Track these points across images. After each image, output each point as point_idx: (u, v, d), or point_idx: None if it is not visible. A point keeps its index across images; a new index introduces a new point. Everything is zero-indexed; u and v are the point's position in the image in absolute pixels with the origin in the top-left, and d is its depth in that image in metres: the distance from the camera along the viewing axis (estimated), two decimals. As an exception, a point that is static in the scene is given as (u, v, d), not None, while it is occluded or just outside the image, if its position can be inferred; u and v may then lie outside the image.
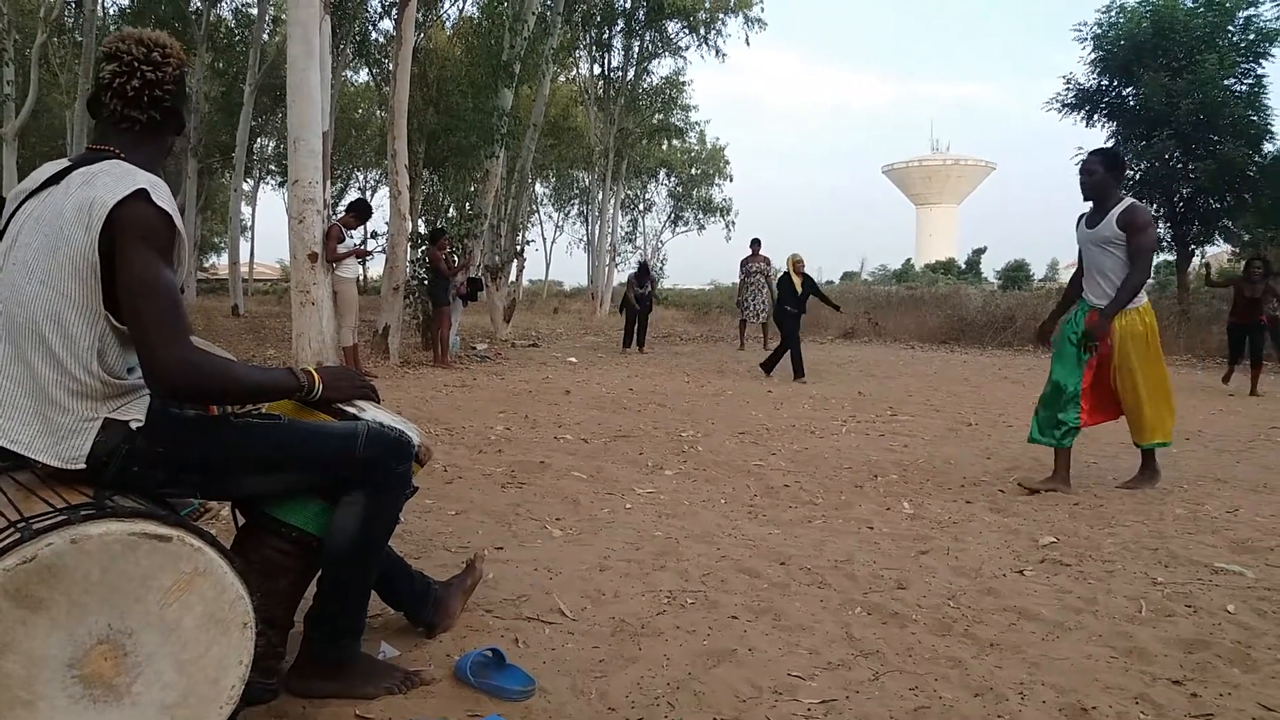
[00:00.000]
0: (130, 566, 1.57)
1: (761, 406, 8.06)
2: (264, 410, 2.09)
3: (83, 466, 1.69)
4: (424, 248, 11.89)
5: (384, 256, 11.96)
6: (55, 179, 1.81)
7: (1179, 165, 17.61)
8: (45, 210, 1.76)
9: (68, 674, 1.52)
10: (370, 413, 2.12)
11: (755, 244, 15.20)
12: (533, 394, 8.50)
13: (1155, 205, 18.59)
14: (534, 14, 13.77)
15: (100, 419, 1.71)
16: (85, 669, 1.54)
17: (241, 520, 2.11)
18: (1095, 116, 18.91)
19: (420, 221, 14.98)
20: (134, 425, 1.74)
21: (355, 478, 2.00)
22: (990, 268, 53.87)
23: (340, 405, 2.11)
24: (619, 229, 35.86)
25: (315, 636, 2.09)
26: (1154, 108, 17.14)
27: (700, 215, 42.05)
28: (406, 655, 2.37)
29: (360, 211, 9.77)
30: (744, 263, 15.23)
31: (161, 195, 1.75)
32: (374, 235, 22.53)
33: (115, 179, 1.73)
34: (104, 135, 1.88)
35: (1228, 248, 21.80)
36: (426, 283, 11.56)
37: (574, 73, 27.08)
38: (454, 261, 11.71)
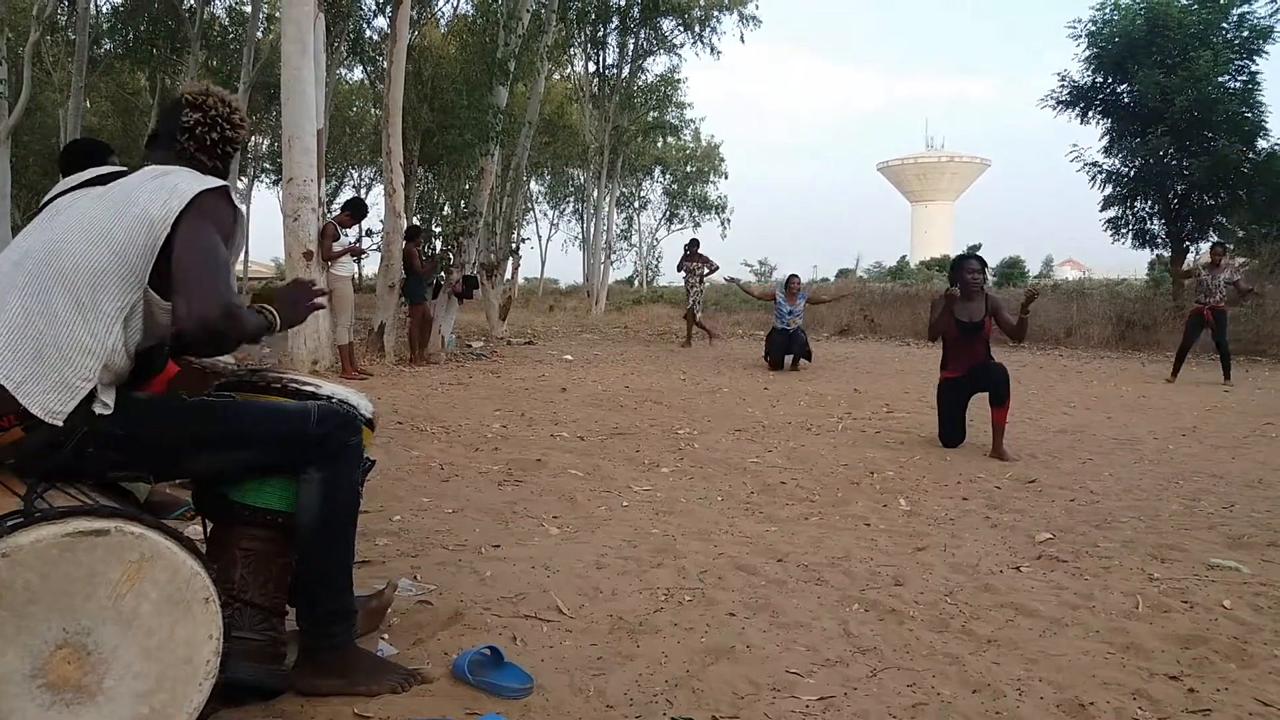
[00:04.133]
0: (71, 568, 1.54)
1: (758, 404, 8.06)
2: (215, 389, 2.14)
3: (60, 424, 1.68)
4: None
5: (379, 254, 11.93)
6: (111, 176, 1.95)
7: (1173, 162, 17.65)
8: (113, 190, 1.87)
9: (32, 685, 1.50)
10: (328, 388, 2.19)
11: (693, 244, 15.33)
12: (529, 391, 8.49)
13: (1150, 202, 18.66)
14: (528, 11, 13.73)
15: (92, 385, 1.72)
16: (49, 676, 1.52)
17: (210, 526, 2.14)
18: (1090, 113, 18.96)
19: (415, 219, 14.95)
20: (98, 410, 1.74)
21: (309, 455, 2.02)
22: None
23: (298, 385, 2.17)
24: (614, 227, 35.86)
25: (305, 628, 2.09)
26: (1148, 104, 17.18)
27: (695, 213, 42.05)
28: (404, 653, 2.36)
29: (355, 210, 9.75)
30: (683, 263, 15.35)
31: (235, 196, 1.92)
32: (369, 233, 22.47)
33: (197, 176, 1.90)
34: (167, 164, 2.00)
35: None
36: (405, 281, 11.57)
37: (569, 70, 27.08)
38: (426, 257, 11.65)
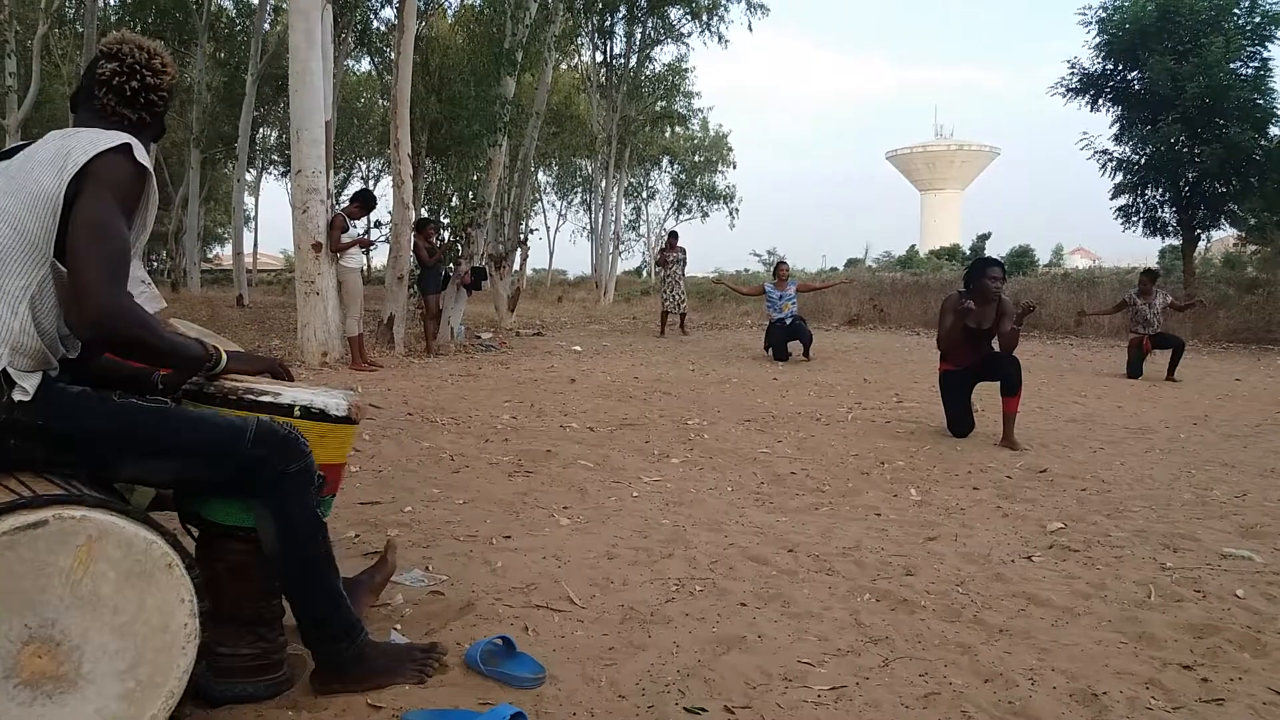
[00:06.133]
0: (16, 564, 1.51)
1: (767, 394, 8.05)
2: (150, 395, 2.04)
3: None
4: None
5: (388, 246, 11.96)
6: (21, 146, 1.84)
7: (1185, 149, 17.52)
8: (15, 163, 1.78)
9: (8, 685, 1.50)
10: (289, 395, 2.04)
11: (673, 236, 15.50)
12: (538, 383, 8.50)
13: (1161, 189, 18.55)
14: (535, 1, 13.71)
15: (1, 367, 1.64)
16: (24, 674, 1.51)
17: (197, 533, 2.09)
18: (1100, 101, 18.84)
19: (424, 210, 14.94)
20: (18, 397, 1.67)
21: (249, 480, 1.90)
22: (995, 253, 53.88)
23: (253, 395, 2.02)
24: (622, 217, 35.81)
25: (311, 648, 2.06)
26: (1159, 92, 17.05)
27: (704, 203, 42.01)
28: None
29: (364, 201, 9.76)
30: (661, 253, 15.51)
31: (142, 154, 1.77)
32: (377, 225, 22.53)
33: (98, 134, 1.77)
34: (87, 125, 1.89)
35: (1234, 232, 21.72)
36: (417, 272, 11.61)
37: (576, 60, 26.99)
38: (437, 246, 11.63)
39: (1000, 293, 5.69)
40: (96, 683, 1.58)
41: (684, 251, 15.19)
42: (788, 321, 11.50)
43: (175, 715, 1.69)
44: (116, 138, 1.76)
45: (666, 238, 15.69)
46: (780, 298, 11.60)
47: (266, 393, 2.02)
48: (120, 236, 1.71)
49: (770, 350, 11.59)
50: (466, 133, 13.51)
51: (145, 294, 3.17)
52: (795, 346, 11.50)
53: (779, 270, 12.11)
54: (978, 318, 5.75)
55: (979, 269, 5.83)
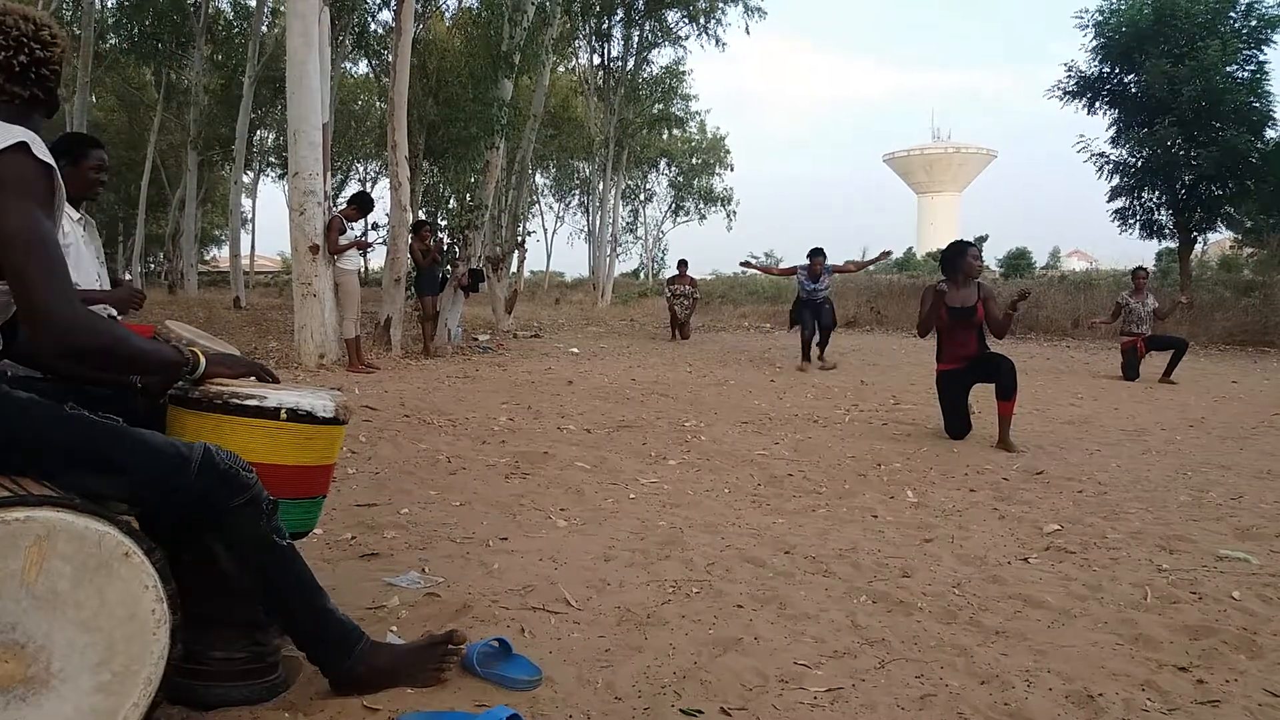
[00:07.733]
0: None
1: (764, 396, 8.06)
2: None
3: None
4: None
5: (385, 248, 11.95)
6: None
7: (1181, 152, 17.58)
8: None
9: None
10: (275, 397, 2.01)
11: (682, 265, 15.81)
12: (535, 385, 8.49)
13: (1158, 192, 18.61)
14: (533, 4, 13.71)
15: None
16: None
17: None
18: (1097, 104, 18.91)
19: (421, 213, 14.95)
20: None
21: (195, 514, 1.84)
22: (992, 256, 53.94)
23: (239, 399, 1.98)
24: (620, 219, 35.84)
25: (313, 663, 2.04)
26: (1156, 95, 17.12)
27: (701, 205, 42.10)
28: (413, 646, 2.36)
29: (362, 204, 9.75)
30: (671, 282, 16.06)
31: (41, 149, 1.68)
32: (375, 227, 22.54)
33: None
34: None
35: (1230, 235, 21.80)
36: (414, 274, 11.62)
37: (574, 63, 27.02)
38: (430, 249, 11.60)
39: (979, 269, 6.03)
40: (70, 680, 1.56)
41: (694, 285, 15.66)
42: (818, 299, 11.15)
43: (157, 701, 1.68)
44: (9, 136, 1.64)
45: (677, 265, 15.96)
46: (813, 289, 11.16)
47: (253, 396, 1.99)
48: (53, 242, 1.62)
49: (795, 325, 11.71)
50: (464, 135, 13.54)
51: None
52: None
53: (813, 268, 11.24)
54: (959, 298, 5.95)
55: (959, 250, 6.09)
